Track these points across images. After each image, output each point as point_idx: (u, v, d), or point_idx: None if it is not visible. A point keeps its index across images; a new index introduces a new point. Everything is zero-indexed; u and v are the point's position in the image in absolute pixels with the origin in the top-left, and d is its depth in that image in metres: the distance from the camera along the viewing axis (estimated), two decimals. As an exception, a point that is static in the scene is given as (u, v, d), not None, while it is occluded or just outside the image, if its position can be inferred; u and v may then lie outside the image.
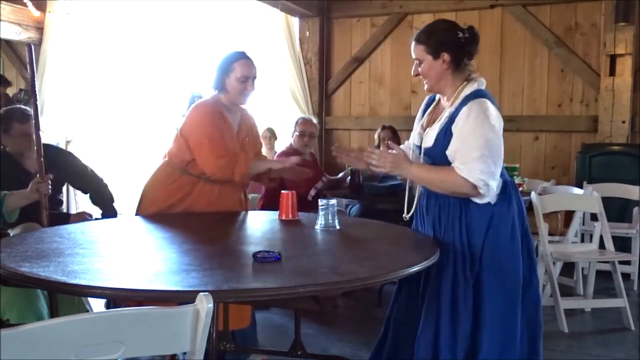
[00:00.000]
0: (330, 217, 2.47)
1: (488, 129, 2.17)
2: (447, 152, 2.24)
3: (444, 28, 2.30)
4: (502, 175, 2.29)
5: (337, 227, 2.47)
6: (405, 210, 2.46)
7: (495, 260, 2.25)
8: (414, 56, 2.34)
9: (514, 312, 2.27)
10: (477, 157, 2.15)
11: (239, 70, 2.85)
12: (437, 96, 2.45)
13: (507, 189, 2.30)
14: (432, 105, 2.46)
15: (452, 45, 2.26)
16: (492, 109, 2.20)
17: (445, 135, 2.25)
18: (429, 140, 2.32)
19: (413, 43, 2.33)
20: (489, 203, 2.25)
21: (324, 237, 2.41)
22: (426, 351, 2.24)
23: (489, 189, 2.17)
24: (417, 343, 2.26)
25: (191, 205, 2.88)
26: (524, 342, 2.31)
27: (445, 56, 2.26)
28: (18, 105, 3.76)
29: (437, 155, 2.28)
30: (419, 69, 2.33)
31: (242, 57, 2.89)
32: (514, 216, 2.30)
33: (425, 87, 2.38)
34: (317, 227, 2.47)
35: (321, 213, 2.48)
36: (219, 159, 2.79)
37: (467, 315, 2.23)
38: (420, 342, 2.26)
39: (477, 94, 2.25)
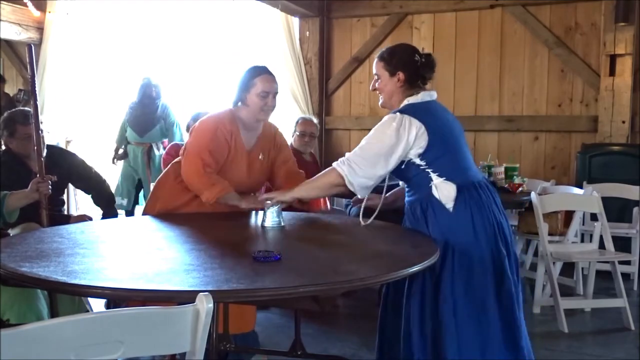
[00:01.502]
0: (276, 215, 2.52)
1: (376, 135, 2.40)
2: None
3: (404, 50, 2.53)
4: (455, 179, 2.37)
5: (282, 224, 2.51)
6: (361, 217, 2.58)
7: (457, 263, 2.32)
8: (374, 71, 2.55)
9: (485, 312, 2.33)
10: (352, 154, 2.42)
11: (260, 86, 2.80)
12: None
13: (463, 193, 2.37)
14: None
15: (409, 66, 2.46)
16: (395, 124, 2.37)
17: None
18: None
19: (376, 59, 2.55)
20: (446, 211, 2.36)
21: (324, 237, 2.41)
22: (407, 351, 2.34)
23: (352, 185, 2.40)
24: (402, 343, 2.36)
25: (199, 206, 2.86)
26: (506, 339, 2.36)
27: (401, 75, 2.47)
28: (20, 108, 3.78)
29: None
30: (377, 85, 2.54)
31: (264, 72, 2.85)
32: (472, 218, 2.35)
33: (380, 101, 2.58)
34: (266, 224, 2.50)
35: (268, 210, 2.52)
36: (193, 175, 2.78)
37: (430, 318, 2.33)
38: (403, 342, 2.36)
39: (403, 109, 2.43)
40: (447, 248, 2.33)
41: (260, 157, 2.96)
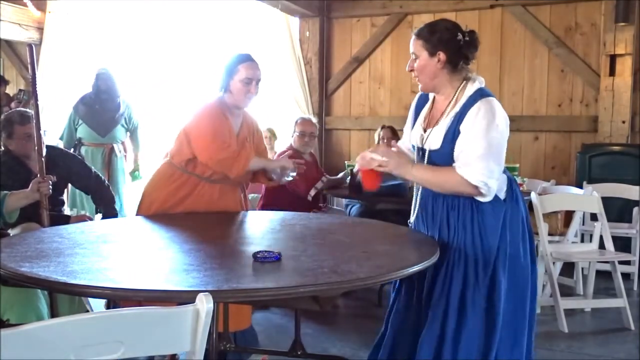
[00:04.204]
0: None
1: (493, 128, 2.17)
2: (454, 152, 2.23)
3: (445, 27, 2.28)
4: (505, 172, 2.30)
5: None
6: (412, 213, 2.45)
7: (509, 259, 2.26)
8: (411, 50, 2.32)
9: (523, 311, 2.30)
10: (478, 157, 2.15)
11: (244, 72, 2.85)
12: (431, 96, 2.42)
13: (513, 186, 2.31)
14: (428, 105, 2.43)
15: (450, 45, 2.24)
16: (498, 108, 2.21)
17: (453, 136, 2.24)
18: (435, 142, 2.29)
19: (413, 37, 2.31)
20: (501, 201, 2.25)
21: (324, 237, 2.41)
22: (429, 351, 2.24)
23: (489, 189, 2.18)
24: (421, 342, 2.25)
25: (192, 205, 2.88)
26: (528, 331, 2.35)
27: (442, 55, 2.24)
28: (18, 109, 3.79)
29: (445, 156, 2.26)
30: (414, 65, 2.31)
31: (247, 59, 2.89)
32: (522, 213, 2.32)
33: (420, 85, 2.35)
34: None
35: None
36: (219, 152, 2.80)
37: (475, 317, 2.22)
38: (424, 342, 2.25)
39: (482, 93, 2.24)
40: (502, 239, 2.24)
41: (248, 140, 3.01)
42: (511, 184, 2.31)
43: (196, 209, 2.87)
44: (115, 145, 5.38)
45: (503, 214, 2.25)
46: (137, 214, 2.96)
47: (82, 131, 5.36)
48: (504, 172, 2.30)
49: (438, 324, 2.24)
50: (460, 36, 2.24)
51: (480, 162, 2.15)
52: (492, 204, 2.23)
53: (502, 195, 2.26)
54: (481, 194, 2.19)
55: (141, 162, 5.70)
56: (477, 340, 2.22)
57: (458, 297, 2.23)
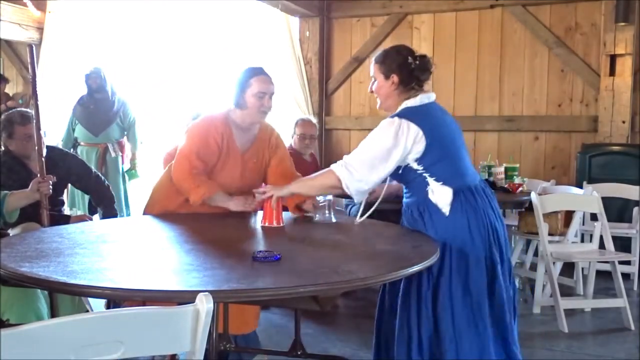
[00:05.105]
0: (326, 211, 2.67)
1: (376, 140, 2.39)
2: None
3: (398, 51, 2.49)
4: (451, 183, 2.37)
5: (333, 221, 2.66)
6: (358, 215, 2.60)
7: (455, 267, 2.33)
8: (371, 74, 2.56)
9: (482, 317, 2.33)
10: (351, 158, 2.41)
11: (256, 86, 2.79)
12: None
13: (459, 197, 2.37)
14: None
15: (402, 69, 2.44)
16: (396, 127, 2.35)
17: None
18: None
19: (372, 62, 2.55)
20: (442, 215, 2.36)
21: (324, 237, 2.41)
22: (402, 353, 2.35)
23: (348, 188, 2.39)
24: (396, 345, 2.37)
25: (195, 208, 2.85)
26: (497, 345, 2.38)
27: (395, 78, 2.46)
28: (18, 109, 3.79)
29: None
30: (373, 87, 2.55)
31: (259, 72, 2.84)
32: (468, 223, 2.35)
33: (378, 104, 2.57)
34: (316, 218, 2.69)
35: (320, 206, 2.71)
36: (180, 176, 2.79)
37: (428, 321, 2.33)
38: (398, 345, 2.37)
39: (399, 113, 2.41)
40: (444, 251, 2.32)
41: (254, 160, 2.94)
42: (456, 195, 2.36)
43: (202, 210, 2.85)
44: (109, 145, 5.39)
45: (443, 225, 2.35)
46: (143, 214, 2.96)
47: (78, 131, 5.43)
48: (454, 185, 2.37)
49: (404, 326, 2.35)
50: (410, 59, 2.44)
51: (350, 163, 2.39)
52: (432, 217, 2.37)
53: (445, 210, 2.35)
54: (343, 190, 2.41)
55: (139, 160, 5.67)
56: (420, 342, 2.34)
57: (416, 300, 2.34)
